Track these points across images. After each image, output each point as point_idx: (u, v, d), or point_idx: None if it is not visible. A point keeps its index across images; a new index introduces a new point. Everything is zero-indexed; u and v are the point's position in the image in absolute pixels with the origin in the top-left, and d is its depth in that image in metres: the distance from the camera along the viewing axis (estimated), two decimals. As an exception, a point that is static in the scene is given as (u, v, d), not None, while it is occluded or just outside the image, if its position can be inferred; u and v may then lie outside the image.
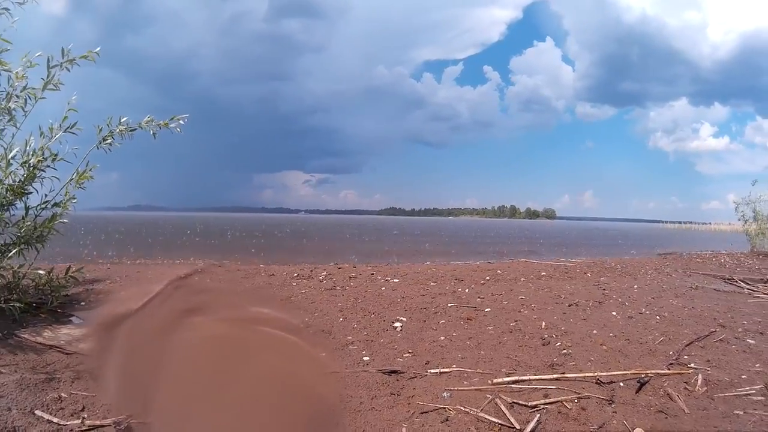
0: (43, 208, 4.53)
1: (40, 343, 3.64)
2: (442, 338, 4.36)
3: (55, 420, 2.55)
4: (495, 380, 3.28)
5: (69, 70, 4.53)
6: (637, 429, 2.64)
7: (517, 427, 2.65)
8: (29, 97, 4.48)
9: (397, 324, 4.78)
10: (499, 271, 8.44)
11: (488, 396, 3.03)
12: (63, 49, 4.45)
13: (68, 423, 2.53)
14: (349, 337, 4.38)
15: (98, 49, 4.61)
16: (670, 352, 4.00)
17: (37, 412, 2.61)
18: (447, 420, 2.74)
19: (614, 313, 5.34)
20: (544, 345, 4.19)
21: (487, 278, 7.61)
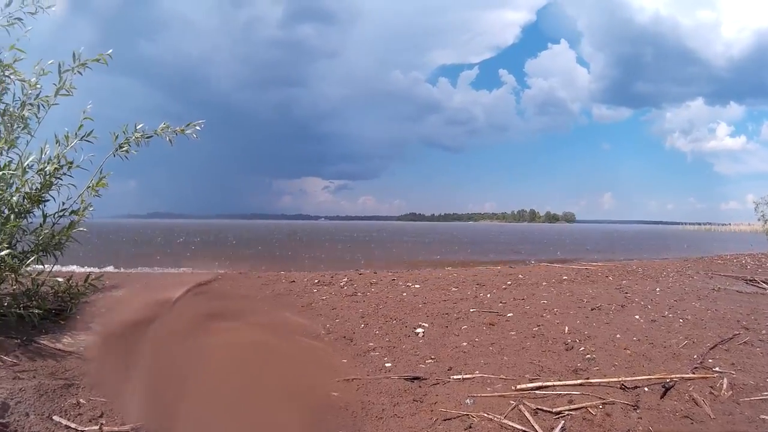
0: (60, 216, 4.53)
1: (60, 350, 3.66)
2: (465, 344, 4.36)
3: (73, 426, 2.58)
4: (518, 386, 3.27)
5: (81, 74, 4.55)
6: (663, 435, 2.62)
7: (542, 433, 2.64)
8: (42, 105, 4.51)
9: (419, 330, 4.78)
10: (520, 276, 8.41)
11: (512, 402, 3.02)
12: (74, 53, 4.48)
13: (86, 429, 2.57)
14: (371, 344, 4.39)
15: (110, 51, 4.64)
16: (695, 356, 3.97)
17: (55, 417, 2.64)
18: (470, 427, 2.74)
19: (637, 317, 5.30)
20: (567, 350, 4.18)
21: (509, 283, 7.58)
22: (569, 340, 4.41)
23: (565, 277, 8.38)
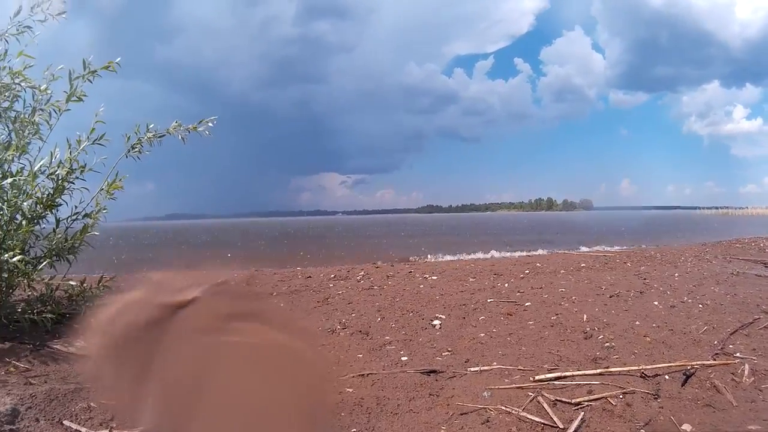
0: (73, 220, 4.56)
1: (73, 353, 3.66)
2: (482, 335, 4.34)
3: (83, 430, 2.58)
4: (537, 377, 3.25)
5: (91, 82, 4.54)
6: (685, 425, 2.59)
7: (561, 426, 2.61)
8: (54, 110, 4.51)
9: (436, 322, 4.77)
10: (538, 264, 8.37)
11: (530, 394, 2.99)
12: (84, 61, 4.47)
13: (95, 432, 2.57)
14: (387, 337, 4.38)
15: (119, 59, 4.62)
16: (715, 342, 3.92)
17: (65, 422, 2.64)
18: (488, 421, 2.71)
19: (656, 303, 5.25)
20: (586, 338, 4.15)
21: (527, 272, 7.55)
22: (588, 329, 4.37)
23: (583, 265, 8.33)
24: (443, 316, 4.94)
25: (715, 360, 3.47)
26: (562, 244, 16.58)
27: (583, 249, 13.19)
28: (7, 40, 4.46)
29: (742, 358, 3.53)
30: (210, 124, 4.84)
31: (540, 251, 13.22)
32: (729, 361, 3.44)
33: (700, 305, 5.12)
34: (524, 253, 12.24)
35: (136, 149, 4.66)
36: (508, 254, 12.35)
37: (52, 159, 4.39)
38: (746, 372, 3.24)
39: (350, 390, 3.16)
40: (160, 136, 4.74)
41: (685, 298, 5.44)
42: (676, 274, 7.13)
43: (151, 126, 4.71)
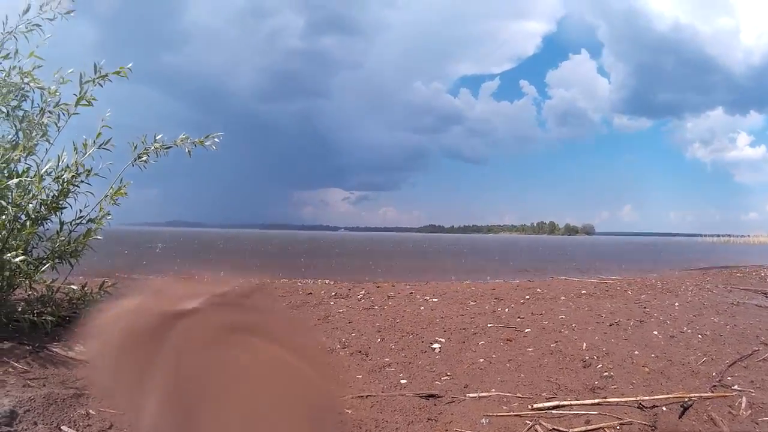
0: (77, 224, 4.61)
1: (71, 358, 3.67)
2: (482, 360, 4.35)
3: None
4: (535, 405, 3.27)
5: (102, 86, 4.57)
6: (681, 457, 2.60)
7: (558, 454, 2.63)
8: (62, 113, 4.56)
9: (436, 345, 4.78)
10: (538, 290, 8.36)
11: (528, 422, 3.01)
12: (95, 65, 4.51)
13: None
14: (387, 359, 4.40)
15: (130, 65, 4.65)
16: (713, 373, 3.93)
17: (63, 427, 2.66)
18: (486, 448, 2.73)
19: (656, 333, 5.25)
20: (585, 367, 4.16)
21: (527, 297, 7.54)
22: (587, 357, 4.38)
23: (584, 291, 8.31)
24: (443, 340, 4.94)
25: (713, 392, 3.49)
26: (562, 270, 16.55)
27: (584, 276, 13.17)
28: (16, 38, 4.49)
29: (739, 390, 3.54)
30: (216, 139, 4.89)
31: (540, 277, 13.20)
32: (727, 394, 3.46)
33: (700, 336, 5.12)
34: (525, 278, 12.20)
35: (143, 158, 4.72)
36: (509, 279, 12.31)
37: (59, 162, 4.45)
38: (743, 405, 3.26)
39: (349, 411, 3.18)
40: (167, 148, 4.80)
41: (685, 328, 5.44)
42: (676, 303, 7.12)
43: (158, 137, 4.77)
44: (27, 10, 4.48)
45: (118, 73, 4.61)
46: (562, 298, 7.57)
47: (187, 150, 4.84)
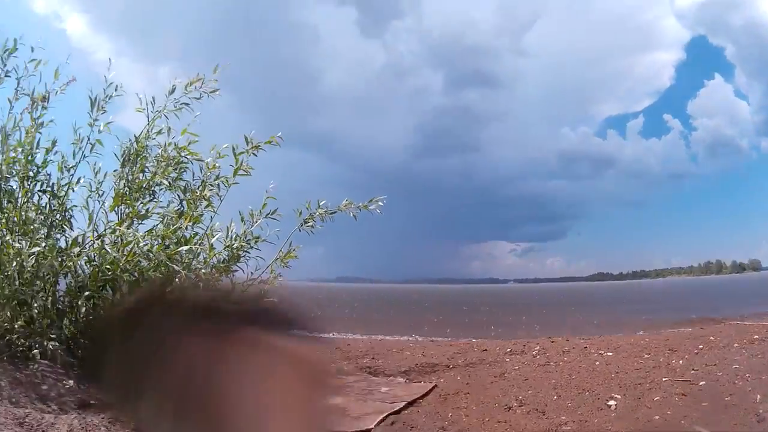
0: (249, 285, 4.69)
1: None
2: (657, 418, 4.43)
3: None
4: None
5: (256, 155, 4.85)
6: None
7: None
8: (222, 184, 4.85)
9: (612, 402, 4.88)
10: (711, 338, 8.05)
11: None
12: (246, 137, 4.80)
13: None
14: (563, 417, 4.59)
15: (280, 134, 4.91)
16: None
17: None
18: None
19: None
20: (759, 422, 4.11)
21: (700, 347, 7.30)
22: (761, 411, 4.29)
23: (756, 336, 7.90)
24: (619, 396, 5.02)
25: None
26: (732, 312, 15.49)
27: (754, 318, 12.34)
28: (167, 117, 4.80)
29: None
30: (381, 203, 5.22)
31: (712, 322, 12.51)
32: None
33: None
34: (697, 326, 11.67)
35: (309, 224, 5.08)
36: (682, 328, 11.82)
37: (228, 232, 4.85)
38: None
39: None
40: (331, 213, 5.14)
41: None
42: None
43: (322, 202, 5.12)
44: (172, 91, 4.84)
45: (269, 142, 4.95)
46: (735, 345, 7.25)
47: (351, 214, 5.18)
